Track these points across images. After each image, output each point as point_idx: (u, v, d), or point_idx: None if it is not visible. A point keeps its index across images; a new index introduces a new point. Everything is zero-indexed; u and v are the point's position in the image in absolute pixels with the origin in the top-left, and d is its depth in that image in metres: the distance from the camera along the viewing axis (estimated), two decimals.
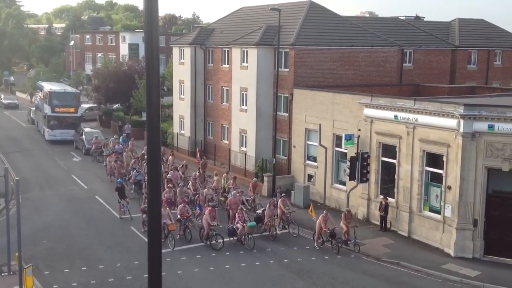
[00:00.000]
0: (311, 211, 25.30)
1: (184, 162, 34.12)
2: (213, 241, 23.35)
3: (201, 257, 22.69)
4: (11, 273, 20.22)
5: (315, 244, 23.79)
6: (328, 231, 23.27)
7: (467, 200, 22.67)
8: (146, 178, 29.99)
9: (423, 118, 24.52)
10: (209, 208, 23.97)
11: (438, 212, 24.15)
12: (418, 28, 41.64)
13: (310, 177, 31.68)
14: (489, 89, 36.10)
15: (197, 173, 31.38)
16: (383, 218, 25.76)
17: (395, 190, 26.10)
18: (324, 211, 24.11)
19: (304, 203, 29.41)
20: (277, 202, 26.24)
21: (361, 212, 27.47)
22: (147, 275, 5.12)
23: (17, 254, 19.11)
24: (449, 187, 23.30)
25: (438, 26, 44.06)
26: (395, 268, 21.83)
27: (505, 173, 22.08)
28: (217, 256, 22.77)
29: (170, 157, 35.18)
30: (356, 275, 21.04)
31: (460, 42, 41.90)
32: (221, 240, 23.21)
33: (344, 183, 28.99)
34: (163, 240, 23.20)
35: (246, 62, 35.51)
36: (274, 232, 24.96)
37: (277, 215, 25.53)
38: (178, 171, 32.13)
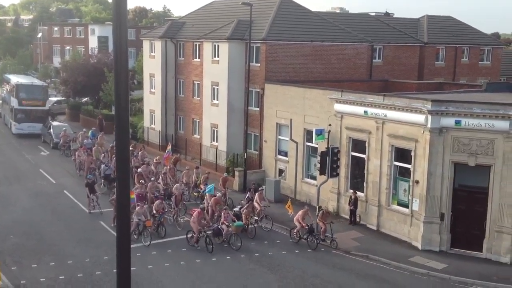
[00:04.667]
0: (288, 207, 25.10)
1: (157, 157, 33.89)
2: (204, 244, 22.71)
3: (172, 251, 22.63)
4: None
5: (291, 240, 23.87)
6: (307, 227, 23.34)
7: (434, 194, 23.09)
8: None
9: (392, 114, 24.84)
10: (198, 210, 23.24)
11: (406, 206, 24.55)
12: (387, 24, 42.14)
13: (281, 171, 31.84)
14: (457, 85, 36.76)
15: (167, 168, 31.23)
16: (353, 212, 26.09)
17: (364, 184, 26.43)
18: (306, 207, 24.25)
19: (275, 197, 29.57)
20: (253, 197, 26.31)
21: (331, 206, 27.75)
22: (116, 271, 5.10)
23: None
24: (417, 182, 23.70)
25: (407, 23, 44.66)
26: (364, 261, 22.14)
27: (471, 167, 22.55)
28: (188, 251, 22.73)
29: (140, 151, 34.91)
30: (326, 269, 21.28)
31: (429, 39, 42.55)
32: (211, 245, 22.57)
33: (314, 178, 29.24)
34: (137, 236, 23.21)
35: (218, 57, 35.40)
36: (254, 232, 24.69)
37: (254, 211, 25.45)
38: (150, 166, 31.90)
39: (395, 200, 25.28)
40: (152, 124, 43.37)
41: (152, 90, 43.12)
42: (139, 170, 30.57)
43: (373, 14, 46.16)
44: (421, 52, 41.33)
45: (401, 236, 24.42)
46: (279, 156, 32.14)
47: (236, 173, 32.15)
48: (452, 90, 33.31)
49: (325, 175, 25.96)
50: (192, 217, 23.08)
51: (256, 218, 25.38)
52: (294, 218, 23.88)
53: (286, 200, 29.76)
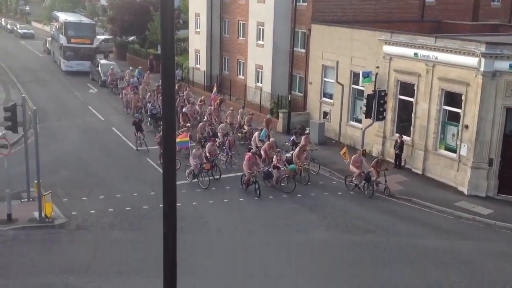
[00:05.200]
0: (344, 154, 24.32)
1: (202, 98, 34.06)
2: (254, 188, 22.40)
3: (216, 189, 23.05)
4: (31, 199, 20.80)
5: (349, 186, 23.23)
6: (363, 174, 22.65)
7: (484, 140, 22.55)
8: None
9: (443, 56, 24.03)
10: (249, 154, 22.84)
11: (454, 151, 24.09)
12: None
13: (325, 114, 31.54)
14: None
15: (212, 108, 31.39)
16: (398, 156, 25.79)
17: (411, 128, 25.96)
18: (358, 151, 23.64)
19: (319, 140, 29.40)
20: (299, 140, 26.09)
21: (376, 149, 27.49)
22: (162, 205, 5.20)
23: (35, 181, 19.61)
24: (466, 126, 23.13)
25: None
26: (408, 204, 22.05)
27: None
28: (231, 189, 23.11)
29: (185, 91, 35.10)
30: (369, 211, 21.32)
31: None
32: (259, 189, 22.19)
33: (359, 121, 28.88)
34: (190, 179, 23.42)
35: None
36: (307, 177, 23.90)
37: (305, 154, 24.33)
38: (195, 106, 32.11)
39: (442, 144, 24.81)
40: (197, 64, 43.38)
41: (197, 29, 42.87)
42: (184, 109, 30.82)
43: None
44: None
45: (447, 181, 24.10)
46: (324, 99, 31.77)
47: (280, 115, 32.07)
48: (508, 32, 31.80)
49: (370, 118, 25.64)
50: (244, 161, 22.79)
51: (305, 164, 24.17)
52: (350, 165, 23.17)
53: (329, 142, 29.73)
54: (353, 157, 23.21)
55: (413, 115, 25.88)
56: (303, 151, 24.13)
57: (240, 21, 38.33)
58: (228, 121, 29.99)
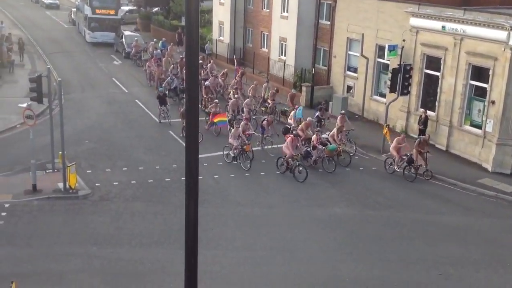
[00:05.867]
0: (386, 134, 23.49)
1: (225, 70, 33.92)
2: (296, 172, 21.40)
3: (237, 164, 23.08)
4: (55, 170, 21.15)
5: (388, 169, 22.26)
6: (406, 157, 21.69)
7: (510, 115, 22.11)
8: (183, 83, 30.09)
9: (471, 29, 23.44)
10: (291, 136, 21.77)
11: (479, 127, 23.68)
12: None
13: (349, 88, 31.18)
14: None
15: (234, 81, 31.26)
16: (422, 132, 25.39)
17: (436, 103, 25.54)
18: (402, 135, 22.59)
19: None
20: (323, 116, 25.76)
21: (400, 125, 27.15)
22: (184, 178, 5.21)
23: (60, 152, 19.92)
24: (493, 102, 22.66)
25: None
26: (430, 181, 21.81)
27: None
28: (253, 163, 23.11)
29: (209, 64, 34.96)
30: (391, 186, 21.19)
31: None
32: (305, 172, 21.22)
33: (384, 95, 28.48)
34: (237, 161, 22.57)
35: None
36: (349, 159, 22.97)
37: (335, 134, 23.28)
38: (218, 79, 32.04)
39: (467, 120, 24.39)
40: (220, 36, 43.12)
41: (222, 1, 42.48)
42: (206, 83, 30.74)
43: None
44: None
45: (471, 157, 23.74)
46: (348, 72, 31.36)
47: (303, 89, 31.81)
48: None
49: (395, 92, 25.26)
50: (285, 143, 21.68)
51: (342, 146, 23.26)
52: (391, 147, 22.13)
53: (352, 117, 29.41)
54: (396, 139, 22.06)
55: (438, 90, 25.44)
56: (340, 131, 23.29)
57: None
58: (251, 94, 29.87)
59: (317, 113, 26.40)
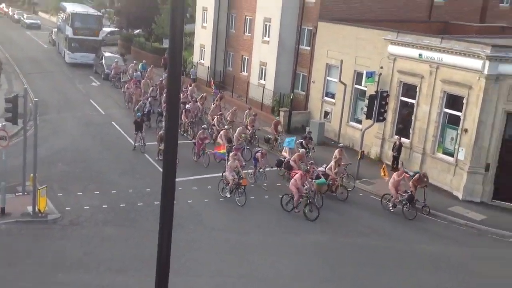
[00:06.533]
0: (383, 171, 22.31)
1: (204, 94, 33.86)
2: (307, 211, 20.08)
3: (212, 188, 22.91)
4: (25, 193, 20.75)
5: (390, 207, 21.19)
6: (405, 195, 20.71)
7: (482, 144, 22.36)
8: (163, 107, 29.89)
9: (448, 58, 23.79)
10: (300, 172, 20.56)
11: (451, 155, 23.89)
12: None
13: (326, 113, 31.32)
14: None
15: (213, 105, 31.14)
16: (396, 158, 25.51)
17: (411, 130, 25.75)
18: (401, 169, 21.53)
19: (318, 140, 29.15)
20: (308, 144, 25.37)
21: (374, 151, 27.28)
22: (158, 202, 5.15)
23: (31, 175, 19.56)
24: (466, 130, 22.89)
25: None
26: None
27: None
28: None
29: (190, 87, 34.76)
30: (365, 213, 21.13)
31: None
32: (317, 211, 19.91)
33: (360, 122, 28.67)
34: (229, 194, 21.52)
35: None
36: (346, 194, 22.03)
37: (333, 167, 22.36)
38: (197, 103, 31.86)
39: (440, 148, 24.60)
40: (201, 59, 43.22)
41: (204, 24, 42.70)
42: (187, 106, 30.50)
43: None
44: None
45: (443, 185, 23.87)
46: (326, 98, 31.55)
47: (281, 113, 31.86)
48: None
49: (371, 119, 25.40)
50: (293, 180, 20.34)
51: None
52: (389, 183, 21.11)
53: (328, 143, 29.46)
54: (395, 174, 21.27)
55: (413, 117, 25.66)
56: (338, 165, 22.49)
57: (247, 16, 38.12)
58: (229, 119, 29.75)
59: (301, 141, 25.82)
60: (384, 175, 22.08)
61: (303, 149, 23.96)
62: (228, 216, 20.60)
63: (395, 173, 21.27)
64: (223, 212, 20.95)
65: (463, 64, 23.04)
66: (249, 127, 28.60)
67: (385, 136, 27.04)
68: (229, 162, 21.93)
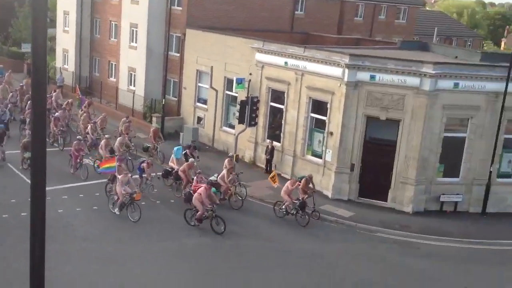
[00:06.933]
0: (273, 179, 22.20)
1: (70, 100, 32.43)
2: (214, 224, 19.53)
3: (84, 196, 22.12)
4: None
5: (284, 212, 21.26)
6: (297, 202, 20.92)
7: (347, 146, 23.91)
8: (26, 115, 28.19)
9: (311, 66, 25.18)
10: (204, 185, 19.73)
11: (320, 157, 25.30)
12: None
13: (199, 119, 31.67)
14: (373, 41, 37.77)
15: (81, 112, 30.02)
16: (269, 161, 26.55)
17: (282, 134, 26.90)
18: (293, 178, 22.01)
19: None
20: (193, 153, 24.67)
21: (248, 155, 28.11)
22: (24, 214, 4.91)
23: None
24: (331, 133, 24.42)
25: None
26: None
27: (382, 121, 23.49)
28: (101, 195, 22.29)
29: (54, 93, 33.10)
30: (241, 215, 21.65)
31: None
32: (223, 223, 19.37)
33: (233, 127, 29.34)
34: (119, 211, 20.19)
35: None
36: (241, 202, 21.96)
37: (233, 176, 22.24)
38: (66, 110, 30.29)
39: (309, 150, 25.96)
40: (65, 64, 41.41)
41: (66, 28, 41.00)
42: (56, 114, 28.82)
43: None
44: (342, 7, 41.85)
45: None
46: (198, 104, 31.88)
47: (154, 119, 31.63)
48: (368, 46, 34.19)
49: (243, 124, 26.16)
50: (197, 194, 19.58)
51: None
52: (282, 191, 21.30)
53: (203, 147, 29.79)
54: (288, 182, 21.52)
55: (283, 122, 26.85)
56: (230, 173, 22.26)
57: (112, 22, 37.28)
58: (99, 125, 28.80)
59: (185, 151, 25.14)
60: (274, 182, 22.13)
61: (192, 159, 23.43)
62: (102, 225, 19.99)
63: (288, 182, 21.49)
64: (96, 221, 20.26)
65: (325, 71, 24.52)
66: (124, 135, 27.14)
67: (257, 140, 27.95)
68: (120, 176, 20.55)
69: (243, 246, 19.10)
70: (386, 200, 23.75)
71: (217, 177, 22.22)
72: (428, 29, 53.32)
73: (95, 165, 24.43)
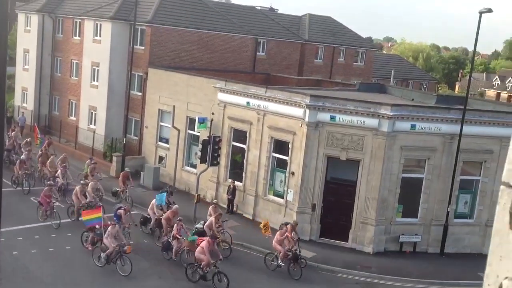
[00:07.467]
0: (264, 228, 21.30)
1: (28, 139, 31.69)
2: (216, 281, 18.38)
3: (40, 237, 21.51)
4: None
5: (280, 263, 20.25)
6: (290, 254, 20.02)
7: (308, 186, 24.07)
8: None
9: (273, 106, 25.50)
10: (207, 239, 18.77)
11: (281, 196, 25.37)
12: (272, 19, 43.12)
13: (161, 158, 31.46)
14: (332, 83, 38.65)
15: (40, 152, 29.26)
16: (231, 201, 26.47)
17: (244, 174, 26.92)
18: (284, 227, 20.77)
19: (153, 185, 29.14)
20: (171, 200, 23.55)
21: (210, 195, 27.97)
22: None
23: None
24: (293, 173, 24.60)
25: (290, 20, 46.01)
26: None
27: (343, 161, 23.84)
28: (57, 236, 21.72)
29: (13, 132, 32.13)
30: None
31: (309, 37, 44.23)
32: (226, 280, 18.24)
33: (194, 166, 29.25)
34: (109, 263, 19.00)
35: (99, 36, 34.10)
36: (229, 251, 21.10)
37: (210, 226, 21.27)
38: (30, 152, 29.10)
39: (271, 190, 26.03)
40: (24, 103, 40.76)
41: (26, 66, 40.55)
42: (22, 157, 27.70)
43: (259, 7, 46.99)
44: (302, 49, 42.86)
45: (275, 225, 24.79)
46: (160, 143, 31.73)
47: (114, 158, 31.24)
48: (328, 87, 34.92)
49: (205, 163, 26.10)
50: (200, 248, 18.58)
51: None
52: (273, 242, 20.44)
53: (164, 187, 29.43)
54: (279, 232, 20.53)
55: (245, 162, 26.93)
56: (218, 220, 21.55)
57: (73, 60, 37.11)
58: (60, 165, 27.94)
59: (165, 196, 23.53)
60: (266, 231, 21.22)
61: (176, 205, 22.14)
62: (59, 266, 19.41)
63: (278, 232, 20.54)
64: (52, 262, 19.69)
65: (287, 112, 24.84)
66: (89, 177, 26.09)
67: (219, 179, 27.89)
68: (109, 228, 19.31)
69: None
70: (347, 241, 23.88)
71: (203, 225, 21.53)
72: (385, 71, 55.04)
73: (70, 212, 23.51)
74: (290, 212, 24.60)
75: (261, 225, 21.62)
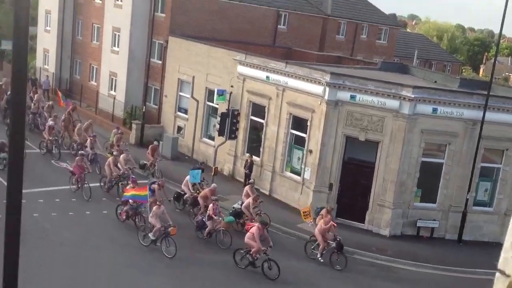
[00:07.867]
0: (305, 215, 20.68)
1: (50, 103, 31.91)
2: (265, 268, 17.77)
3: (60, 201, 21.89)
4: None
5: (319, 257, 19.42)
6: (333, 243, 19.22)
7: (325, 165, 23.90)
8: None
9: (292, 82, 25.19)
10: (257, 225, 18.10)
11: (298, 174, 25.27)
12: None
13: (179, 129, 31.58)
14: (354, 60, 38.10)
15: (63, 116, 29.42)
16: (247, 176, 26.48)
17: (261, 149, 26.89)
18: (329, 216, 19.63)
19: (172, 155, 29.31)
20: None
21: (227, 168, 28.10)
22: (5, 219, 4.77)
23: None
24: (310, 151, 24.49)
25: None
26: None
27: (361, 142, 23.62)
28: (77, 200, 22.09)
29: (36, 94, 31.94)
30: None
31: (332, 12, 43.54)
32: (277, 268, 17.52)
33: (213, 138, 29.28)
34: (155, 244, 18.54)
35: (121, 1, 33.92)
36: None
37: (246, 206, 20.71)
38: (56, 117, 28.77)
39: (288, 167, 25.95)
40: (45, 64, 40.92)
41: (47, 28, 40.56)
42: (50, 122, 27.46)
43: None
44: (324, 24, 42.25)
45: (291, 202, 24.99)
46: (179, 113, 31.81)
47: (133, 126, 31.42)
48: (349, 65, 34.46)
49: (223, 136, 26.14)
50: (250, 233, 17.93)
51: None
52: (316, 230, 19.51)
53: (182, 158, 29.64)
54: (323, 220, 19.45)
55: (263, 137, 26.91)
56: (255, 201, 20.92)
57: (94, 24, 37.04)
58: (84, 132, 27.93)
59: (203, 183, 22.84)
60: (307, 218, 20.67)
61: (215, 184, 21.59)
62: (78, 230, 19.83)
63: (321, 221, 19.52)
64: (73, 226, 20.11)
65: (306, 88, 24.52)
66: (115, 147, 25.75)
67: (237, 153, 27.94)
68: (154, 208, 18.80)
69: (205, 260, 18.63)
70: (363, 222, 23.74)
71: (240, 205, 21.04)
72: (409, 51, 54.16)
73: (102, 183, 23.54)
74: (306, 191, 24.57)
75: (302, 211, 20.91)
